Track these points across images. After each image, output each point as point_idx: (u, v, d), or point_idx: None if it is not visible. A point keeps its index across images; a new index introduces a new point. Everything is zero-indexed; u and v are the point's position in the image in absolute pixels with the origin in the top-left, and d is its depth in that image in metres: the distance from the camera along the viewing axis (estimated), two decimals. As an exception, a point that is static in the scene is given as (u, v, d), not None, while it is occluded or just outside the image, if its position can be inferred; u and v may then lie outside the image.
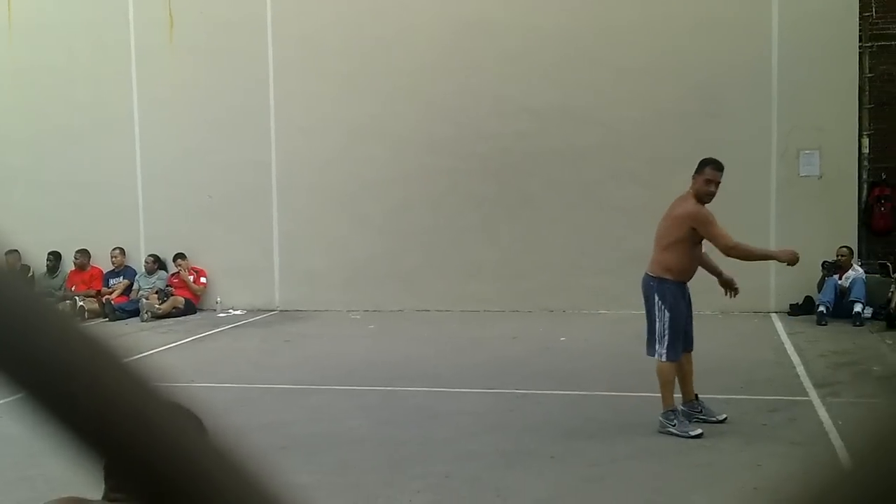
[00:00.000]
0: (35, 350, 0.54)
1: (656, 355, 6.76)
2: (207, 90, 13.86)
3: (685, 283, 6.88)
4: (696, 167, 6.89)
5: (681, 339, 6.76)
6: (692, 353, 6.98)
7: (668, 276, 6.73)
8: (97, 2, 14.23)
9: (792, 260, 6.92)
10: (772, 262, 12.24)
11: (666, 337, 6.67)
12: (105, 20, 14.20)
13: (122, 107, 14.21)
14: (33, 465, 5.88)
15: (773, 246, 12.18)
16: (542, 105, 12.79)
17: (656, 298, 6.72)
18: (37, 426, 0.54)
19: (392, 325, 12.09)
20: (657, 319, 6.72)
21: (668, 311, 6.67)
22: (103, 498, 1.90)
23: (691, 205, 6.74)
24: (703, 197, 6.77)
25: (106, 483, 1.85)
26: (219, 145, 13.81)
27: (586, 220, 12.81)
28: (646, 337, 6.87)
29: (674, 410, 6.69)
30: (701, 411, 6.89)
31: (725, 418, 6.90)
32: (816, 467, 0.53)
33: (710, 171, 6.76)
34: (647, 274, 6.89)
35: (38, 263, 14.49)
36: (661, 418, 6.72)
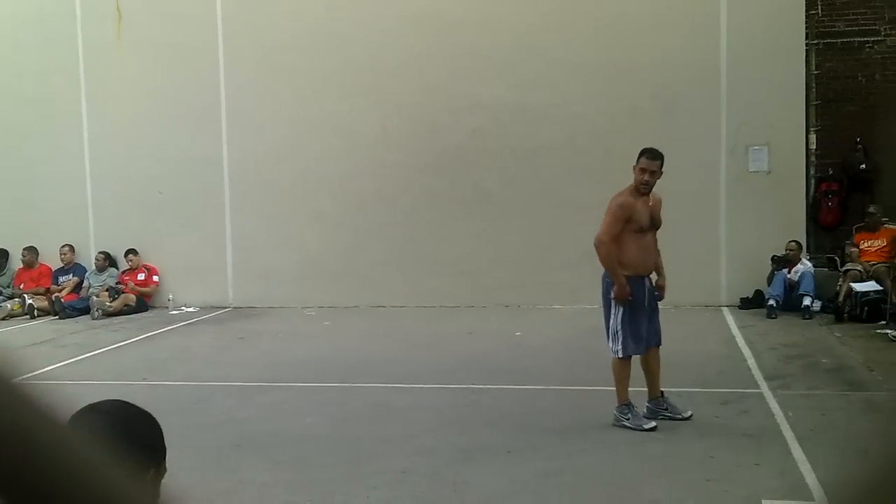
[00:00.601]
0: None
1: (611, 353, 6.79)
2: (157, 85, 13.69)
3: (643, 277, 6.85)
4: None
5: (641, 335, 6.75)
6: (660, 348, 7.01)
7: (623, 272, 6.71)
8: (44, -5, 13.98)
9: (619, 298, 6.68)
10: (722, 256, 12.46)
11: (619, 333, 6.70)
12: (52, 13, 13.95)
13: (70, 102, 13.98)
14: None
15: (722, 242, 12.39)
16: (497, 101, 12.83)
17: (611, 295, 6.72)
18: None
19: (348, 322, 12.05)
20: (611, 315, 6.74)
21: (622, 306, 6.68)
22: None
23: (621, 194, 6.85)
24: (639, 186, 6.85)
25: None
26: (169, 141, 13.65)
27: (542, 215, 12.87)
28: (606, 334, 6.90)
29: (627, 404, 6.74)
30: (667, 409, 6.91)
31: (691, 415, 6.85)
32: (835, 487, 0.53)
33: (644, 161, 6.85)
34: (605, 271, 6.90)
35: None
36: (615, 412, 6.77)
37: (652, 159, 6.82)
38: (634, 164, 6.88)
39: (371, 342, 10.65)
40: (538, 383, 8.23)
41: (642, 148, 7.02)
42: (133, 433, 1.84)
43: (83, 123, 14.05)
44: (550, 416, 7.14)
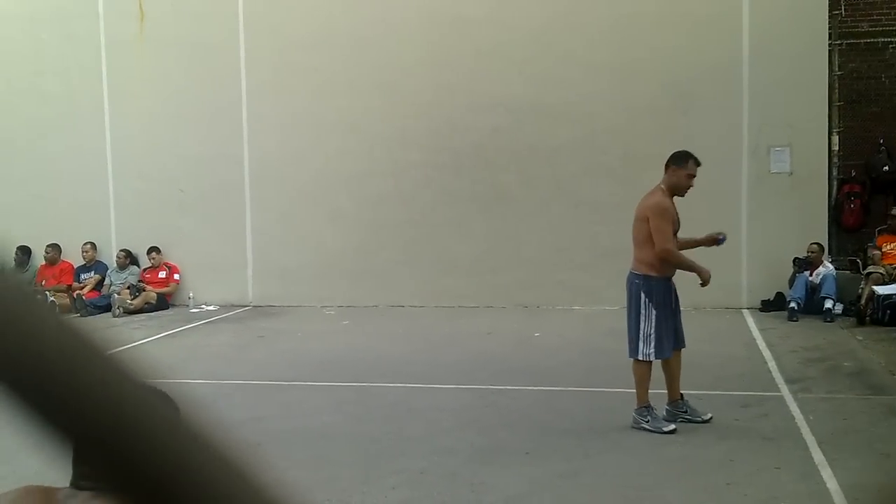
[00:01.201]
0: (12, 341, 0.53)
1: (641, 355, 6.66)
2: (178, 83, 13.75)
3: (670, 279, 6.80)
4: (671, 158, 6.85)
5: (670, 338, 6.72)
6: (681, 351, 6.95)
7: (652, 273, 6.66)
8: (67, -7, 14.07)
9: (706, 281, 6.79)
10: (743, 258, 12.38)
11: (653, 336, 6.63)
12: (75, 11, 14.03)
13: (92, 100, 14.07)
14: (3, 463, 5.81)
15: (743, 243, 12.31)
16: (515, 101, 12.81)
17: (643, 297, 6.64)
18: (11, 420, 0.54)
19: (366, 321, 12.07)
20: (643, 319, 6.64)
21: (655, 309, 6.63)
22: (71, 484, 1.85)
23: (658, 196, 6.74)
24: (682, 190, 6.81)
25: (74, 469, 1.78)
26: (190, 139, 13.71)
27: (560, 215, 12.84)
28: (627, 336, 6.78)
29: (647, 406, 6.71)
30: (686, 411, 6.87)
31: (711, 418, 6.84)
32: None
33: (692, 165, 6.78)
34: (631, 272, 6.80)
35: (8, 258, 14.32)
36: (634, 414, 6.74)
37: (698, 165, 6.84)
38: (675, 166, 6.79)
39: (389, 342, 10.66)
40: (557, 384, 8.21)
41: (682, 151, 6.91)
42: None
43: (105, 121, 14.13)
44: (569, 418, 7.12)
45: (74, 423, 0.54)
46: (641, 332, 6.65)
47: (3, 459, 5.82)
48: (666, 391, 6.92)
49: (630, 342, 6.73)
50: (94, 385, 0.55)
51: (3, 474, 5.74)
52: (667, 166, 6.84)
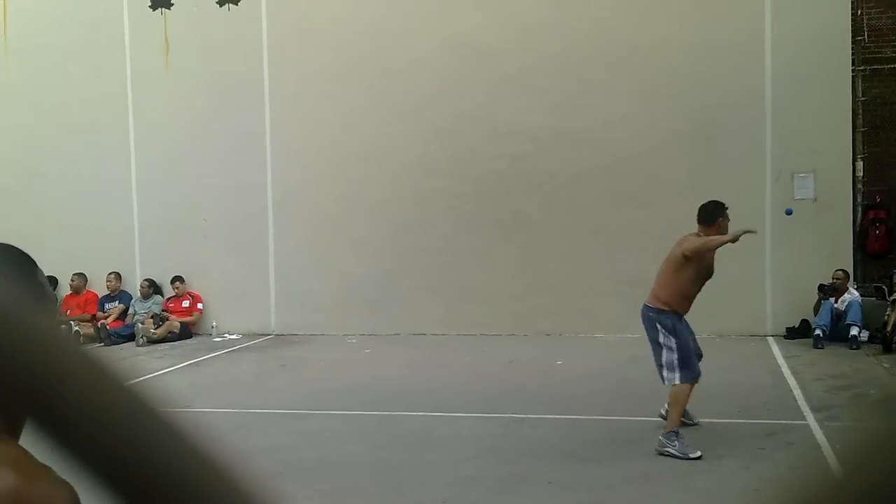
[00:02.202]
0: (33, 371, 0.53)
1: (667, 382, 6.89)
2: (203, 114, 13.89)
3: (682, 316, 7.09)
4: (705, 214, 7.10)
5: (695, 358, 6.96)
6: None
7: (665, 308, 6.96)
8: (93, 24, 14.26)
9: (745, 232, 6.95)
10: (768, 285, 12.28)
11: (676, 362, 6.80)
12: (101, 43, 14.23)
13: (118, 130, 14.23)
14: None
15: (768, 270, 12.25)
16: (537, 128, 12.83)
17: (659, 328, 6.90)
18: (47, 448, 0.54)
19: (388, 349, 12.06)
20: (664, 348, 6.88)
21: (674, 336, 6.85)
22: None
23: (692, 240, 7.00)
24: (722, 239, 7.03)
25: None
26: (214, 168, 13.82)
27: (582, 242, 12.82)
28: (655, 365, 7.02)
29: (676, 432, 6.69)
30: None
31: (699, 423, 7.27)
32: (806, 479, 0.52)
33: (727, 214, 7.11)
34: (645, 305, 7.08)
35: (33, 287, 14.46)
36: (661, 437, 6.73)
37: (725, 209, 7.15)
38: (711, 221, 7.05)
39: (411, 370, 10.64)
40: (579, 413, 8.15)
41: (712, 204, 7.16)
42: (32, 268, 1.79)
43: (130, 151, 14.28)
44: (592, 447, 7.06)
45: (97, 455, 0.54)
46: (664, 361, 6.87)
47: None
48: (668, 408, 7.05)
49: (658, 370, 6.99)
50: (115, 415, 0.55)
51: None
52: (704, 222, 7.07)
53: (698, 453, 6.61)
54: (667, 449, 6.65)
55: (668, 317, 6.90)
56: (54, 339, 0.56)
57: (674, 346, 6.83)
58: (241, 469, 0.59)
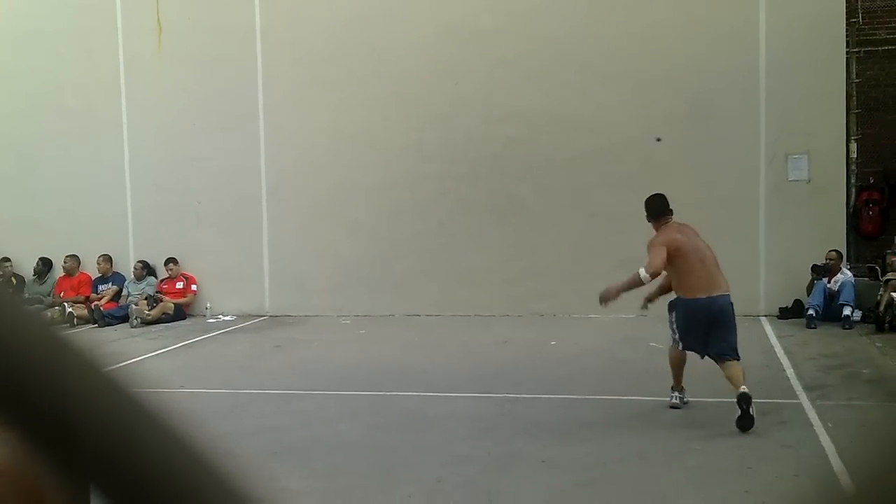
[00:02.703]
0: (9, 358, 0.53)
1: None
2: (196, 97, 13.84)
3: (701, 298, 7.15)
4: (652, 209, 7.60)
5: (690, 340, 7.27)
6: (726, 362, 7.15)
7: (679, 294, 7.28)
8: (85, 8, 14.18)
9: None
10: (761, 266, 12.33)
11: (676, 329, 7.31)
12: (93, 27, 14.16)
13: (111, 113, 14.18)
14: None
15: (762, 251, 12.29)
16: (532, 111, 12.81)
17: (670, 314, 7.41)
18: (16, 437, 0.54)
19: (382, 331, 12.08)
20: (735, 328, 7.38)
21: (675, 322, 7.35)
22: None
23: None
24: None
25: None
26: (208, 151, 13.79)
27: (576, 225, 12.83)
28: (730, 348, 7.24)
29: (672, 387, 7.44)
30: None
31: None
32: (816, 489, 0.53)
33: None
34: (722, 295, 7.34)
35: (28, 270, 14.47)
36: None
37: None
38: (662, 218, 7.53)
39: (406, 351, 10.66)
40: (573, 393, 8.19)
41: (657, 200, 7.69)
42: None
43: (124, 135, 14.24)
44: (586, 426, 7.10)
45: (67, 436, 0.55)
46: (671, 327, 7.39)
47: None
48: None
49: (732, 350, 7.31)
50: (87, 397, 0.55)
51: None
52: (665, 215, 7.50)
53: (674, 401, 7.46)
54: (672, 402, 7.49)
55: (677, 303, 7.36)
56: (31, 324, 0.56)
57: (673, 319, 7.39)
58: (226, 456, 0.59)
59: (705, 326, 7.14)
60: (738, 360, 7.10)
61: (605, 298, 7.29)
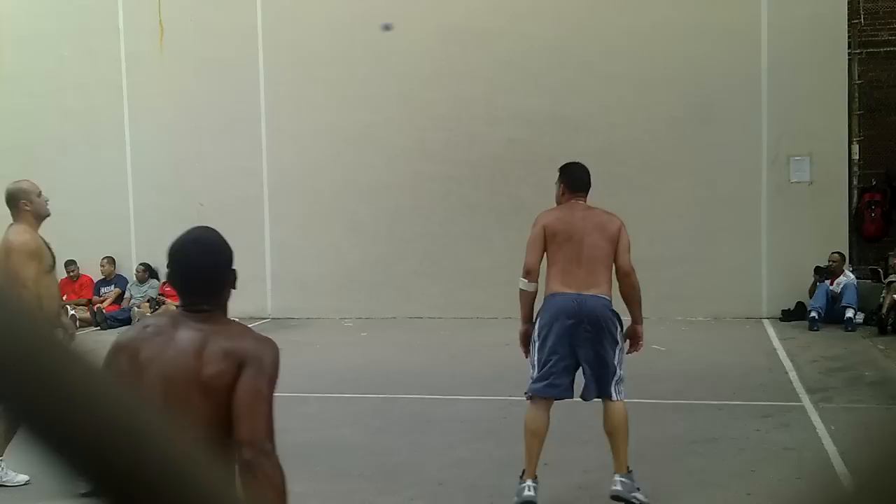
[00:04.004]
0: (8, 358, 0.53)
1: (620, 395, 5.42)
2: (198, 98, 13.84)
3: (566, 293, 5.38)
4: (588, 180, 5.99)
5: (551, 372, 5.42)
6: (610, 403, 5.42)
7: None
8: (87, 9, 14.19)
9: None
10: (764, 268, 12.31)
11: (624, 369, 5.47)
12: (95, 28, 14.16)
13: (113, 115, 14.18)
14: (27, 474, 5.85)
15: (764, 253, 12.28)
16: (533, 112, 12.81)
17: (617, 325, 5.47)
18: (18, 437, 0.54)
19: (385, 333, 12.07)
20: (619, 349, 5.44)
21: (535, 339, 5.52)
22: None
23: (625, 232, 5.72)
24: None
25: None
26: (210, 153, 13.79)
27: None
28: (595, 377, 5.44)
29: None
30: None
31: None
32: (818, 488, 0.53)
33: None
34: (594, 295, 5.41)
35: (29, 272, 14.46)
36: (629, 480, 5.37)
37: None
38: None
39: (408, 353, 10.66)
40: (575, 395, 8.16)
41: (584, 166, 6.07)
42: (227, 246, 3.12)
43: (125, 136, 14.24)
44: (587, 429, 7.07)
45: (59, 430, 0.54)
46: (620, 363, 5.42)
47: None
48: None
49: (607, 381, 5.38)
50: (79, 394, 0.55)
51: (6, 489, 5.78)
52: (588, 186, 5.93)
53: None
54: (635, 496, 5.33)
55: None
56: (29, 327, 0.56)
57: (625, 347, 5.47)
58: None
59: (569, 338, 5.29)
60: (622, 401, 5.35)
61: (525, 344, 5.62)
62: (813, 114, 12.14)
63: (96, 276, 14.29)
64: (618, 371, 5.32)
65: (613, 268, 5.48)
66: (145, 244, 14.18)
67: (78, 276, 14.21)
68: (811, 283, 11.75)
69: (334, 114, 13.41)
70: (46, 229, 14.77)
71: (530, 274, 5.50)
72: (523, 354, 5.63)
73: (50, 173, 14.35)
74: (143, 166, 14.19)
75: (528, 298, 5.57)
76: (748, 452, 6.33)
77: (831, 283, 11.59)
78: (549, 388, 5.41)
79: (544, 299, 5.47)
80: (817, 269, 11.70)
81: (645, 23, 12.53)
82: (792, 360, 9.43)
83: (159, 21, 14.01)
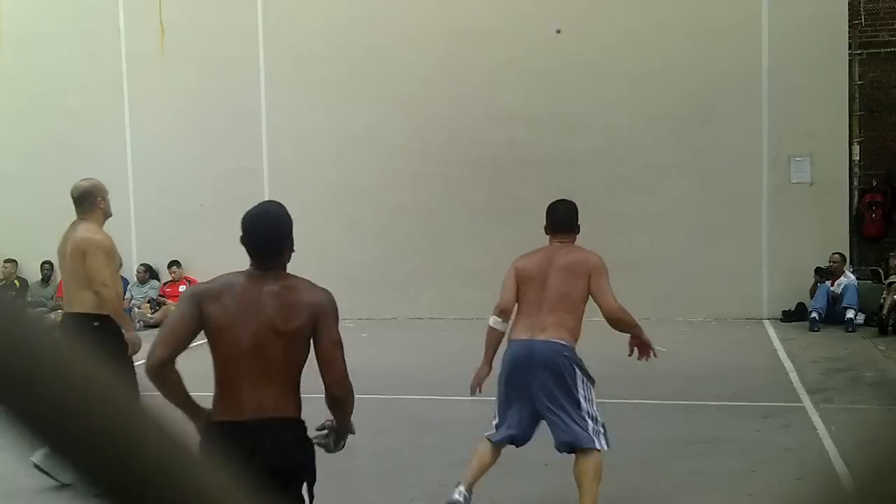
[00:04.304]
0: (13, 362, 0.53)
1: (600, 444, 5.12)
2: (198, 98, 13.85)
3: (519, 340, 5.27)
4: (573, 219, 5.81)
5: (507, 417, 5.33)
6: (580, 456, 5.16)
7: (574, 346, 5.30)
8: (87, 10, 14.20)
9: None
10: (764, 268, 12.31)
11: (601, 419, 5.22)
12: (95, 28, 14.17)
13: (114, 115, 14.19)
14: (26, 476, 5.83)
15: (764, 254, 12.27)
16: (534, 112, 12.81)
17: (577, 372, 5.19)
18: (18, 438, 0.54)
19: (385, 333, 12.06)
20: (584, 400, 5.15)
21: (592, 384, 5.27)
22: None
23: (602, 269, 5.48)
24: None
25: None
26: (210, 153, 13.79)
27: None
28: (562, 429, 5.12)
29: None
30: None
31: None
32: (818, 489, 0.52)
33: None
34: (550, 340, 5.14)
35: (31, 273, 14.46)
36: None
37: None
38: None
39: (408, 354, 10.65)
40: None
41: (572, 204, 5.92)
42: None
43: (126, 136, 14.24)
44: (589, 429, 7.08)
45: (66, 437, 0.54)
46: (590, 414, 5.15)
47: (4, 477, 5.85)
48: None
49: (575, 432, 5.10)
50: (85, 398, 0.55)
51: (7, 491, 5.77)
52: (577, 228, 5.71)
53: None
54: None
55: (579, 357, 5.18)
56: (26, 324, 0.56)
57: (594, 396, 5.16)
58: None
59: (523, 388, 5.12)
60: (599, 450, 5.02)
61: (473, 387, 5.52)
62: (813, 114, 12.14)
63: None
64: (586, 420, 5.04)
65: (587, 310, 5.30)
66: (146, 244, 14.18)
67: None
68: (812, 283, 11.75)
69: (335, 114, 13.41)
70: (47, 229, 14.80)
71: (503, 313, 5.34)
72: (478, 381, 5.52)
73: (50, 173, 14.37)
74: (143, 166, 14.18)
75: (493, 338, 5.41)
76: (749, 453, 6.33)
77: (832, 284, 11.58)
78: (505, 438, 5.34)
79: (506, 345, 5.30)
80: (818, 270, 11.70)
81: (646, 23, 12.53)
82: (792, 361, 9.43)
83: (160, 22, 14.02)
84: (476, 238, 13.13)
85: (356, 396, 3.80)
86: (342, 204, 13.47)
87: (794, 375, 8.74)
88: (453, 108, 13.06)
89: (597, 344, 10.98)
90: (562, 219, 5.65)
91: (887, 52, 12.66)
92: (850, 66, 12.33)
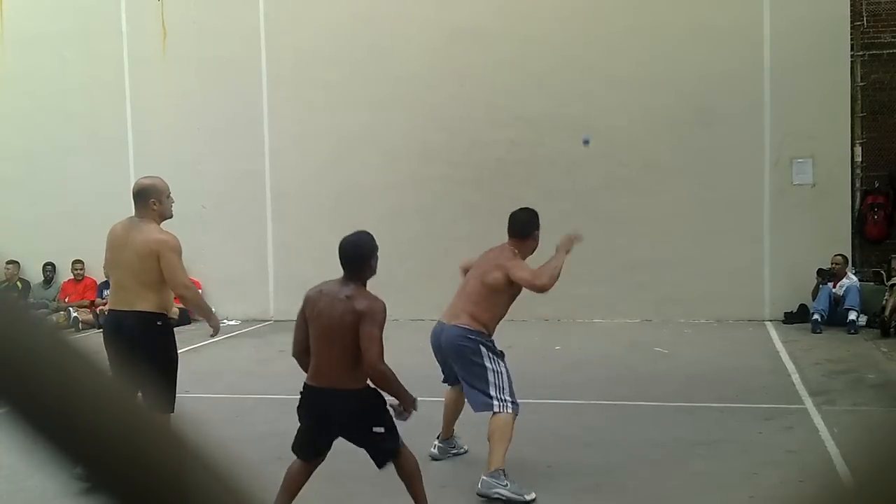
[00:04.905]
0: (17, 363, 0.53)
1: (498, 407, 5.88)
2: (200, 100, 13.86)
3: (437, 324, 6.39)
4: (521, 226, 6.46)
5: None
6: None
7: (484, 332, 6.18)
8: (90, 12, 14.21)
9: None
10: (766, 270, 12.30)
11: (507, 386, 5.97)
12: (97, 30, 14.19)
13: (116, 117, 14.20)
14: (30, 477, 5.84)
15: (766, 255, 12.25)
16: (534, 113, 12.81)
17: (483, 351, 6.07)
18: (22, 438, 0.54)
19: (386, 335, 12.00)
20: (489, 371, 6.00)
21: (502, 360, 6.12)
22: None
23: (520, 265, 6.33)
24: None
25: None
26: (212, 155, 13.81)
27: (580, 228, 12.79)
28: (471, 391, 6.05)
29: (504, 471, 5.74)
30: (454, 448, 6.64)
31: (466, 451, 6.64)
32: (817, 488, 0.52)
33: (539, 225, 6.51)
34: (455, 326, 6.27)
35: (33, 274, 14.47)
36: (486, 478, 5.73)
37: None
38: (533, 231, 6.53)
39: (409, 355, 10.63)
40: (578, 398, 8.18)
41: (529, 212, 6.61)
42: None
43: (128, 138, 14.26)
44: (590, 431, 7.09)
45: (71, 437, 0.54)
46: (493, 381, 5.95)
47: (7, 478, 5.85)
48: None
49: (478, 396, 5.98)
50: (89, 400, 0.55)
51: (9, 491, 5.78)
52: (520, 234, 6.35)
53: (533, 495, 5.65)
54: (497, 490, 5.62)
55: (489, 340, 6.08)
56: (27, 322, 0.56)
57: (503, 369, 5.97)
58: (230, 460, 0.59)
59: (443, 357, 6.40)
60: (503, 413, 5.79)
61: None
62: (815, 116, 12.13)
63: (100, 278, 14.29)
64: (488, 388, 5.92)
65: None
66: (148, 246, 14.18)
67: (83, 278, 14.22)
68: (814, 285, 11.74)
69: (336, 115, 13.42)
70: (49, 231, 14.73)
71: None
72: None
73: (53, 175, 14.40)
74: (145, 168, 14.12)
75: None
76: (751, 455, 6.32)
77: (834, 286, 11.58)
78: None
79: None
80: (820, 272, 11.69)
81: (647, 24, 12.53)
82: (794, 363, 9.42)
83: (162, 23, 14.04)
84: (478, 239, 13.03)
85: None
86: (344, 205, 13.47)
87: (796, 377, 8.74)
88: (454, 109, 13.07)
89: (600, 346, 11.03)
90: (514, 224, 6.55)
91: (889, 53, 12.65)
92: (852, 68, 12.32)
